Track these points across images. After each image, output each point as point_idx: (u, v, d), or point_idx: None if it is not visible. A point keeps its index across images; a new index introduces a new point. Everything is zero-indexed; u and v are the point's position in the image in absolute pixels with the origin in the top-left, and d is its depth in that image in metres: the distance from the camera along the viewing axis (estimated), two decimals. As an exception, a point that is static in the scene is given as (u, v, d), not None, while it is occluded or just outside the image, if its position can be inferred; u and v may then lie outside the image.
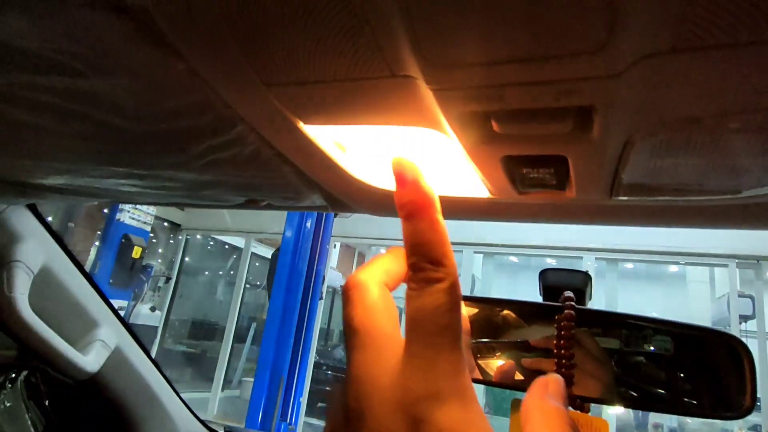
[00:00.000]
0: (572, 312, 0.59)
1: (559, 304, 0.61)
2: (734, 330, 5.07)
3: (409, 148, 0.37)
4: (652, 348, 0.66)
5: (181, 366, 9.58)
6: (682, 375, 0.64)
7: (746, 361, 0.57)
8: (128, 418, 1.28)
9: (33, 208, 0.92)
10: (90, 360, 1.05)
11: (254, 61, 0.28)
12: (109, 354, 1.12)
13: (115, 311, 1.17)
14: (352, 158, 0.41)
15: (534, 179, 0.33)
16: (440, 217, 0.26)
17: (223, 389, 7.00)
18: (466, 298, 0.70)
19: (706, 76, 0.22)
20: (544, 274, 0.69)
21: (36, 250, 0.91)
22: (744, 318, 5.44)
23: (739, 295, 5.48)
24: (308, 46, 0.25)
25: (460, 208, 0.44)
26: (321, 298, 5.37)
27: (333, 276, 7.99)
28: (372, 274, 0.28)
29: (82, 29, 0.31)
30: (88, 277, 1.09)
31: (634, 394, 0.63)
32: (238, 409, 6.85)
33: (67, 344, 1.00)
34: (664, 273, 10.97)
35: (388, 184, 0.43)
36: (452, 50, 0.22)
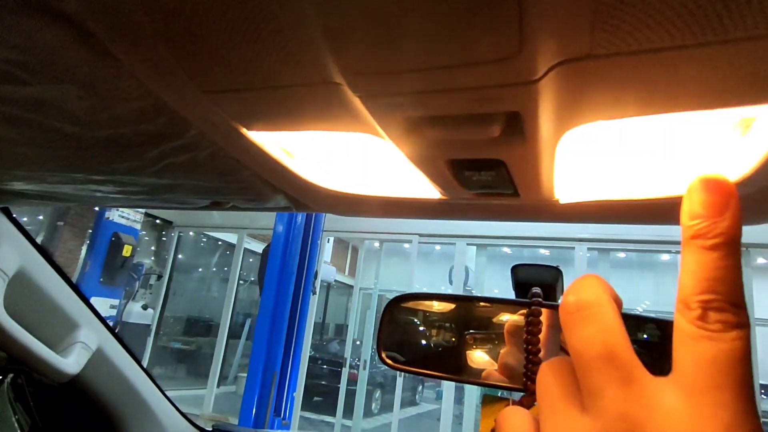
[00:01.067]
0: (539, 308, 0.59)
1: (528, 300, 0.61)
2: (724, 317, 5.11)
3: (359, 150, 0.37)
4: (645, 336, 0.66)
5: (176, 363, 9.57)
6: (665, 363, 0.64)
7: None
8: (114, 418, 1.28)
9: (6, 212, 0.91)
10: (70, 362, 1.04)
11: (187, 68, 0.28)
12: (91, 355, 1.12)
13: (96, 312, 1.16)
14: (304, 162, 0.41)
15: (480, 181, 0.33)
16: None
17: (219, 385, 7.01)
18: (442, 296, 0.71)
19: (624, 80, 0.22)
20: (516, 270, 0.69)
21: (10, 253, 0.90)
22: (734, 305, 5.48)
23: (729, 283, 5.52)
24: (235, 55, 0.25)
25: (413, 209, 0.44)
26: (314, 293, 5.37)
27: (327, 270, 8.00)
28: (607, 291, 0.24)
29: (19, 36, 0.31)
30: (67, 279, 1.08)
31: None
32: (234, 405, 6.87)
33: (46, 347, 0.99)
34: (655, 262, 11.05)
35: (343, 186, 0.43)
36: (370, 59, 0.22)
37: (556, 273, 0.68)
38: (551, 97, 0.23)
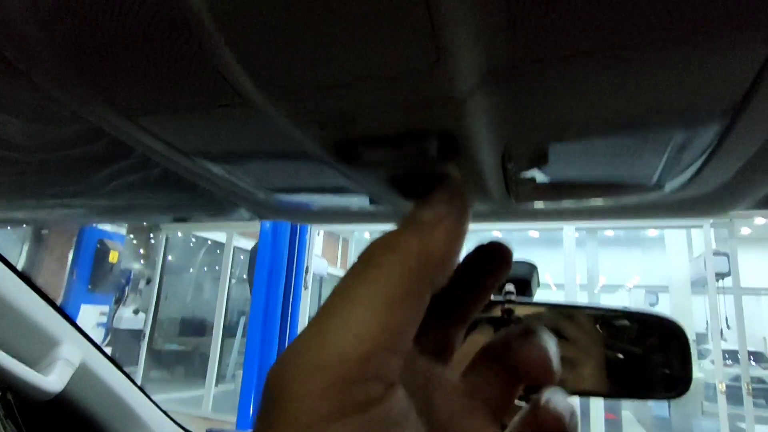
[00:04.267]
0: (510, 308, 0.59)
1: (501, 299, 0.61)
2: (711, 288, 5.20)
3: (302, 164, 0.35)
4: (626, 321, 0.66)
5: (173, 365, 9.54)
6: (633, 359, 0.64)
7: (683, 342, 0.58)
8: (104, 431, 1.27)
9: (-29, 232, 0.89)
10: (52, 380, 1.03)
11: (103, 92, 0.26)
12: (74, 371, 1.10)
13: (77, 327, 1.15)
14: (257, 177, 0.39)
15: (426, 194, 0.33)
16: None
17: (217, 384, 6.99)
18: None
19: (560, 89, 0.21)
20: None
21: (-23, 274, 0.88)
22: (720, 276, 5.56)
23: (715, 254, 5.61)
24: (146, 77, 0.24)
25: (370, 217, 0.43)
26: (306, 288, 5.36)
27: (319, 264, 7.97)
28: None
29: None
30: (44, 295, 1.06)
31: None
32: (234, 403, 6.88)
33: (25, 366, 0.97)
34: (643, 238, 11.18)
35: (300, 197, 0.42)
36: (286, 76, 0.21)
37: (529, 268, 0.68)
38: (482, 110, 0.22)
